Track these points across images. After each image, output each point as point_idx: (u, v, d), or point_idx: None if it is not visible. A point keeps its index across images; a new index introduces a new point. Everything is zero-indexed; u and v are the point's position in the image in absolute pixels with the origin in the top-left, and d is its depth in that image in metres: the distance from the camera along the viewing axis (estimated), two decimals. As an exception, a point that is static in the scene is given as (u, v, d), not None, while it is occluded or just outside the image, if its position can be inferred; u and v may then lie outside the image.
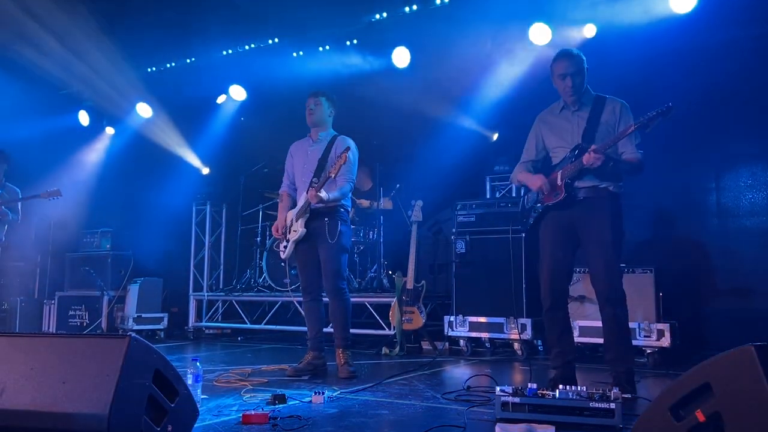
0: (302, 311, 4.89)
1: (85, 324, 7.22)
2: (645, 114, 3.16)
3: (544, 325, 3.58)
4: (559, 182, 3.41)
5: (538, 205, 3.54)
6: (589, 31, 5.67)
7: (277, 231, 4.36)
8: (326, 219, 4.14)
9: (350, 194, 4.32)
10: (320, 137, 4.34)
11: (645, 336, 4.69)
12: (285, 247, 4.32)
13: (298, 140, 4.51)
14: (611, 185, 3.41)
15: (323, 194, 3.98)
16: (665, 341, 4.65)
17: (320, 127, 4.35)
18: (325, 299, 4.35)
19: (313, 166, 4.23)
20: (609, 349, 3.39)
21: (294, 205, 4.35)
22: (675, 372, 4.24)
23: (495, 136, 6.24)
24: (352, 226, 6.27)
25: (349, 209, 4.37)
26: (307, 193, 4.09)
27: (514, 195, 5.91)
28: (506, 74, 5.96)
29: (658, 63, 5.66)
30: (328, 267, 4.17)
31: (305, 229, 4.15)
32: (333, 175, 3.99)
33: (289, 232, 4.26)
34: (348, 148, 4.00)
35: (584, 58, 3.50)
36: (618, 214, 3.42)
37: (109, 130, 8.66)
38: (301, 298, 6.33)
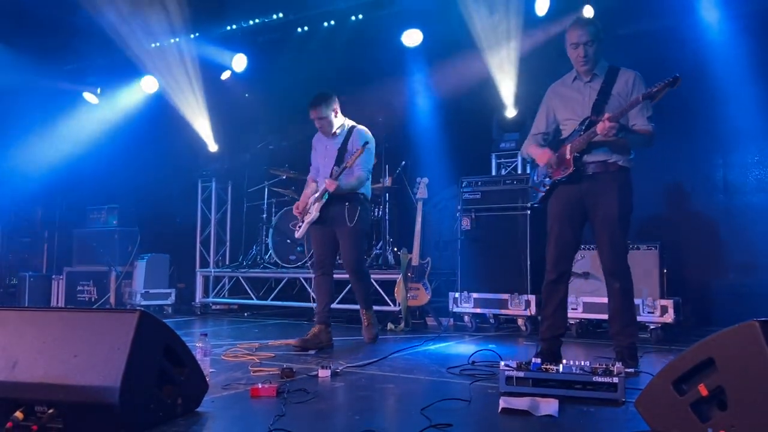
0: (312, 285, 5.30)
1: (93, 299, 7.29)
2: (652, 85, 3.11)
3: (542, 296, 3.60)
4: (567, 156, 3.37)
5: (547, 179, 3.51)
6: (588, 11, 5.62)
7: (297, 209, 4.58)
8: (346, 203, 4.38)
9: (368, 182, 4.52)
10: (339, 132, 4.51)
11: (649, 312, 4.71)
12: (299, 226, 4.58)
13: (318, 133, 4.65)
14: (621, 159, 3.36)
15: (340, 182, 4.30)
16: (669, 317, 4.67)
17: (336, 127, 4.50)
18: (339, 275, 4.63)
19: (333, 157, 4.45)
20: (613, 323, 3.42)
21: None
22: (678, 347, 4.27)
23: (512, 113, 6.13)
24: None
25: (369, 196, 4.58)
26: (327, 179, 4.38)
27: (519, 172, 5.89)
28: (515, 49, 5.88)
29: (667, 36, 5.60)
30: (348, 251, 4.44)
31: (318, 214, 4.40)
32: (350, 165, 4.26)
33: (307, 213, 4.50)
34: (366, 143, 4.28)
35: (600, 26, 3.42)
36: (627, 190, 3.40)
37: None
38: (306, 275, 6.46)
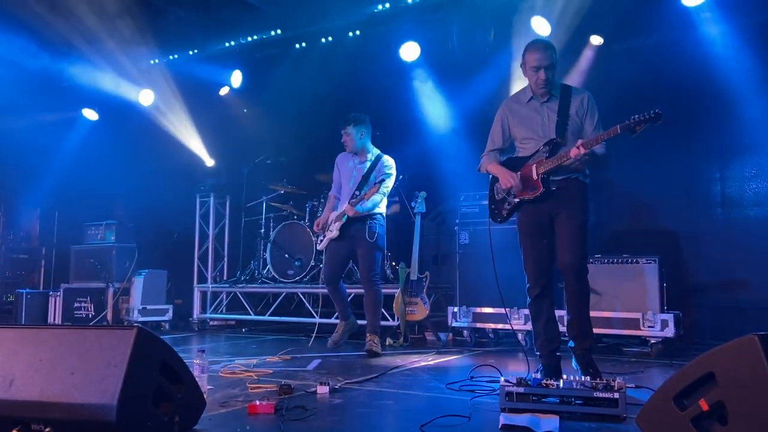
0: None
1: (90, 316, 7.25)
2: (632, 117, 3.12)
3: (529, 313, 3.61)
4: (534, 177, 3.42)
5: (511, 197, 3.53)
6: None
7: (318, 225, 5.17)
8: (368, 222, 4.92)
9: (383, 202, 5.02)
10: (367, 158, 5.05)
11: (649, 326, 4.70)
12: (321, 240, 5.18)
13: (344, 153, 5.17)
14: (580, 176, 3.47)
15: (357, 209, 4.85)
16: (669, 331, 4.65)
17: (361, 150, 5.03)
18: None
19: (357, 181, 4.99)
20: (574, 325, 3.45)
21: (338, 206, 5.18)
22: (679, 362, 4.25)
23: None
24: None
25: (384, 215, 5.11)
26: (348, 203, 4.93)
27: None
28: (509, 65, 5.92)
29: (662, 52, 5.64)
30: (365, 261, 4.95)
31: (339, 233, 4.96)
32: (367, 198, 4.78)
33: (328, 230, 5.07)
34: (383, 181, 4.81)
35: (557, 49, 3.50)
36: (587, 200, 3.50)
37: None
38: (303, 289, 6.47)
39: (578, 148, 3.22)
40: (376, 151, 5.10)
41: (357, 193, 4.91)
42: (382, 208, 5.03)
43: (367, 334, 4.86)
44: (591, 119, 3.44)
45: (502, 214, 3.62)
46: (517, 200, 3.50)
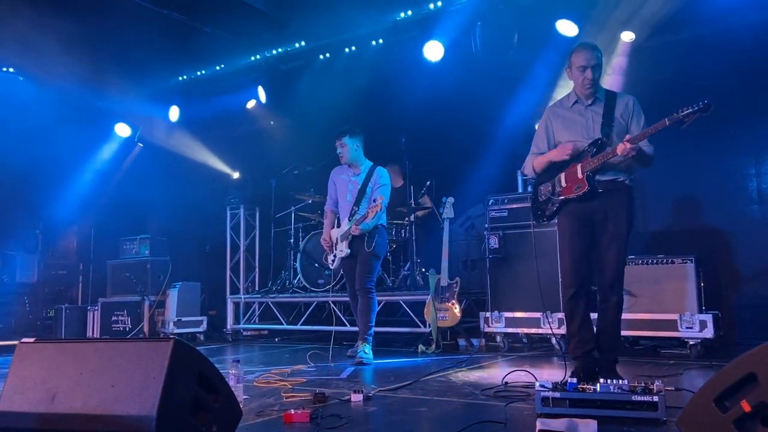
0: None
1: (127, 329, 7.40)
2: (680, 109, 3.10)
3: (564, 313, 3.58)
4: (579, 175, 3.42)
5: (555, 197, 3.53)
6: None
7: (326, 242, 5.25)
8: (367, 234, 4.99)
9: (384, 214, 5.11)
10: (360, 170, 5.14)
11: (687, 327, 4.60)
12: (332, 260, 5.25)
13: (338, 167, 5.27)
14: (627, 178, 3.46)
15: (362, 228, 4.90)
16: (708, 332, 4.54)
17: (356, 161, 5.12)
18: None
19: (355, 195, 5.10)
20: (603, 335, 3.45)
21: (337, 221, 5.32)
22: (718, 363, 4.15)
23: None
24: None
25: (386, 224, 5.23)
26: (350, 219, 5.03)
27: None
28: (534, 68, 5.89)
29: (695, 46, 5.55)
30: (360, 269, 5.01)
31: (349, 250, 5.06)
32: (371, 217, 4.80)
33: (335, 249, 5.17)
34: (382, 197, 4.84)
35: (602, 51, 3.50)
36: (632, 208, 3.49)
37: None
38: (334, 298, 6.52)
39: (624, 144, 3.21)
40: (369, 163, 5.18)
41: (355, 208, 5.03)
42: (382, 220, 5.13)
43: (359, 341, 4.92)
44: (637, 121, 3.44)
45: (545, 214, 3.61)
46: (562, 198, 3.49)
